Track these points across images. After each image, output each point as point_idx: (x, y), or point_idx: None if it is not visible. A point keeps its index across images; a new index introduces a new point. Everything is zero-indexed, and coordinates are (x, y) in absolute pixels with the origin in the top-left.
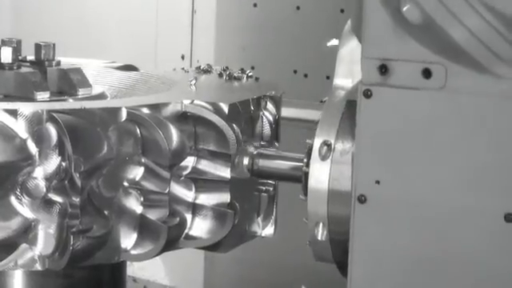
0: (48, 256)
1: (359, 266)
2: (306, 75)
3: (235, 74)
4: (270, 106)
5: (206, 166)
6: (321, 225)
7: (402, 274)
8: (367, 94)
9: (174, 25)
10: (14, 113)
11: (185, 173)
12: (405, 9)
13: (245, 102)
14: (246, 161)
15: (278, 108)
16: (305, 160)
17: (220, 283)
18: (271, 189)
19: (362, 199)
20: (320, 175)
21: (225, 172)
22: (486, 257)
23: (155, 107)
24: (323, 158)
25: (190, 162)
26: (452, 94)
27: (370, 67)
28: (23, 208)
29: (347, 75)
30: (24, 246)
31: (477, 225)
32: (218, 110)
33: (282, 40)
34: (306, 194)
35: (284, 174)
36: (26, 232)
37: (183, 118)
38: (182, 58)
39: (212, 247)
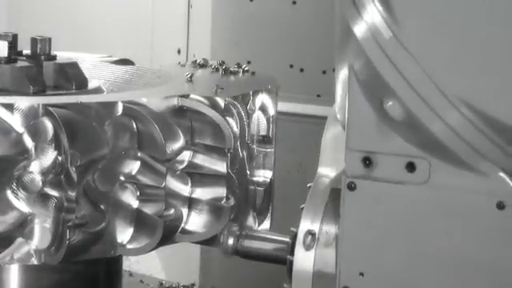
0: (44, 250)
1: None
2: (302, 70)
3: (231, 69)
4: (266, 100)
5: (202, 160)
6: None
7: None
8: (351, 187)
9: (170, 19)
10: (10, 107)
11: (181, 167)
12: (387, 105)
13: (241, 97)
14: (231, 241)
15: (274, 102)
16: (290, 242)
17: (216, 277)
18: (267, 183)
19: None
20: (304, 265)
21: (221, 166)
22: None
23: (151, 101)
24: (307, 247)
25: (186, 156)
26: (436, 189)
27: (353, 159)
28: (19, 202)
29: (331, 163)
30: (20, 240)
31: None
32: (214, 105)
33: (278, 34)
34: (290, 280)
35: (268, 255)
36: (22, 226)
37: (179, 113)
38: (178, 52)
39: (208, 241)
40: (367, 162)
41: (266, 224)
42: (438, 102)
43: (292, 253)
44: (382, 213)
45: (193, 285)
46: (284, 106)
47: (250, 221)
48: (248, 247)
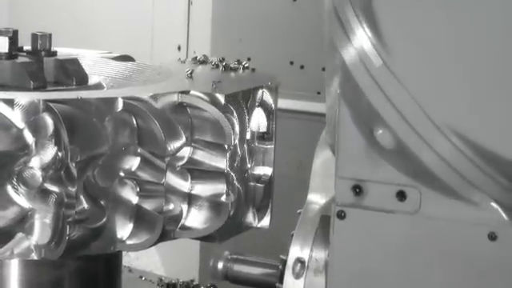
0: (44, 245)
1: None
2: (302, 66)
3: (231, 65)
4: (266, 96)
5: (202, 156)
6: None
7: None
8: (341, 215)
9: (171, 16)
10: (10, 102)
11: (181, 163)
12: (377, 133)
13: (241, 93)
14: (220, 265)
15: (274, 99)
16: (279, 267)
17: None
18: (267, 180)
19: None
20: None
21: (221, 163)
22: None
23: (151, 98)
24: (297, 275)
25: (185, 152)
26: (427, 218)
27: (343, 187)
28: (19, 197)
29: (321, 189)
30: (20, 235)
31: None
32: (214, 101)
33: (279, 31)
34: None
35: (258, 280)
36: (23, 221)
37: (179, 109)
38: (179, 48)
39: (207, 238)
40: (357, 190)
41: (266, 221)
42: (428, 131)
43: (281, 280)
44: (372, 242)
45: (192, 281)
46: (284, 103)
47: (250, 217)
48: (238, 272)
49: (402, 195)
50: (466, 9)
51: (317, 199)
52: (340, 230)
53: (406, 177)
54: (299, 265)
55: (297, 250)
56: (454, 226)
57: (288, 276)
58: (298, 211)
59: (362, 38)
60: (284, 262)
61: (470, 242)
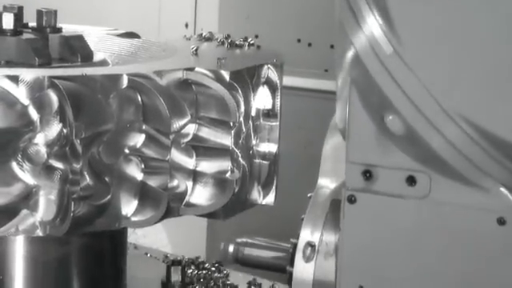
0: (49, 222)
1: None
2: (309, 44)
3: (237, 42)
4: (271, 74)
5: (206, 133)
6: None
7: None
8: (351, 200)
9: None
10: (15, 79)
11: (186, 140)
12: (388, 119)
13: (246, 70)
14: (231, 248)
15: (279, 76)
16: (290, 251)
17: None
18: (272, 157)
19: None
20: (304, 276)
21: (226, 139)
22: None
23: (156, 74)
24: (307, 259)
25: (190, 129)
26: (436, 203)
27: (354, 172)
28: (24, 174)
29: (331, 174)
30: (25, 211)
31: None
32: (219, 78)
33: (286, 9)
34: None
35: (268, 264)
36: (27, 198)
37: (184, 86)
38: (186, 26)
39: (212, 214)
40: (367, 175)
41: (271, 198)
42: (438, 117)
43: (292, 264)
44: (382, 226)
45: (197, 258)
46: (292, 81)
47: (255, 194)
48: (248, 255)
49: (411, 180)
50: None
51: (327, 183)
52: (350, 214)
53: (415, 162)
54: (309, 248)
55: (307, 234)
56: (463, 211)
57: (298, 259)
58: (309, 195)
59: (372, 26)
60: (294, 246)
61: (479, 226)
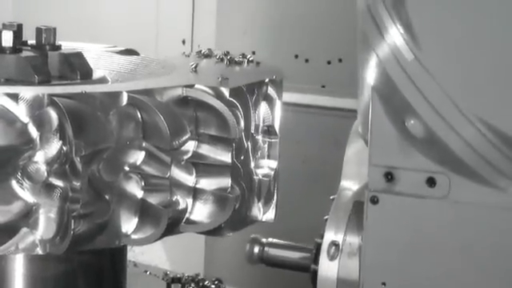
0: (49, 240)
1: None
2: (307, 60)
3: (236, 59)
4: (271, 90)
5: (206, 150)
6: None
7: None
8: (374, 201)
9: (175, 9)
10: (14, 97)
11: (185, 157)
12: (409, 124)
13: (246, 87)
14: (256, 249)
15: (279, 93)
16: (313, 251)
17: (220, 268)
18: (272, 173)
19: None
20: (328, 274)
21: (226, 156)
22: None
23: (156, 91)
24: (331, 258)
25: (190, 146)
26: (455, 203)
27: (376, 174)
28: (24, 192)
29: (354, 177)
30: (25, 230)
31: None
32: (218, 95)
33: (283, 25)
34: (314, 287)
35: (292, 263)
36: (27, 216)
37: (184, 103)
38: (183, 42)
39: (212, 232)
40: (389, 176)
41: (271, 214)
42: (457, 120)
43: (316, 262)
44: (404, 226)
45: (197, 275)
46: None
47: (255, 211)
48: (273, 255)
49: (431, 181)
50: (493, 5)
51: (350, 185)
52: (373, 214)
53: (435, 164)
54: (333, 247)
55: (331, 234)
56: (482, 211)
57: (323, 258)
58: (331, 197)
59: (394, 35)
60: (318, 245)
61: (497, 225)
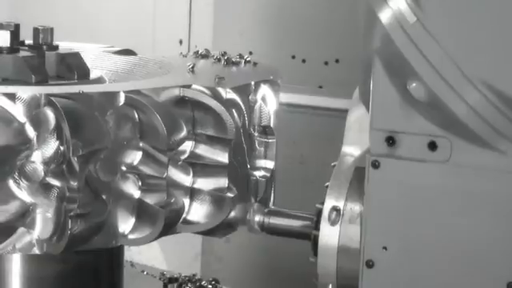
0: (46, 240)
1: None
2: (304, 60)
3: (233, 59)
4: (268, 90)
5: (204, 150)
6: (330, 287)
7: None
8: (375, 165)
9: (172, 9)
10: (12, 96)
11: (183, 157)
12: (411, 87)
13: (243, 87)
14: (258, 218)
15: (276, 93)
16: (314, 219)
17: (217, 268)
18: (268, 174)
19: (369, 264)
20: (329, 239)
21: (223, 157)
22: None
23: (153, 92)
24: (332, 222)
25: (187, 146)
26: (456, 167)
27: (377, 138)
28: (21, 192)
29: (355, 142)
30: (22, 229)
31: None
32: (216, 95)
33: (280, 25)
34: (315, 253)
35: (294, 231)
36: (24, 216)
37: (181, 103)
38: (180, 42)
39: (209, 232)
40: (390, 141)
41: None
42: (460, 83)
43: (317, 228)
44: (405, 189)
45: (194, 275)
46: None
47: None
48: (274, 224)
49: (433, 145)
50: None
51: (351, 151)
52: (374, 178)
53: (437, 128)
54: (334, 213)
55: (332, 200)
56: (483, 174)
57: (324, 223)
58: (333, 164)
59: (398, 0)
60: (319, 211)
61: (498, 188)
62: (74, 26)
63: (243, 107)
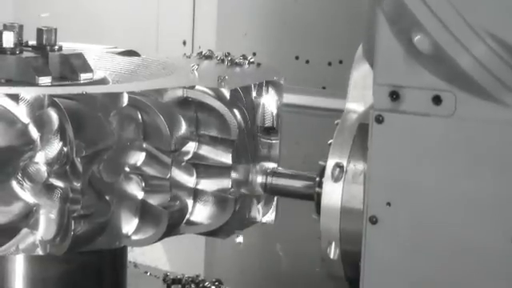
0: (49, 241)
1: (370, 286)
2: (307, 61)
3: (237, 60)
4: (271, 91)
5: (207, 151)
6: (333, 244)
7: None
8: (379, 120)
9: (176, 10)
10: (15, 97)
11: (186, 158)
12: (416, 39)
13: (246, 88)
14: (260, 179)
15: (279, 94)
16: (317, 179)
17: (221, 269)
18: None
19: (373, 220)
20: (332, 196)
21: (226, 158)
22: (494, 279)
23: (157, 92)
24: (336, 179)
25: (191, 147)
26: (461, 120)
27: (381, 93)
28: (24, 193)
29: (359, 99)
30: (25, 230)
31: (485, 247)
32: (219, 96)
33: (284, 26)
34: (318, 212)
35: (296, 191)
36: (28, 217)
37: (185, 104)
38: (184, 43)
39: (212, 233)
40: (394, 95)
41: (271, 216)
42: (465, 34)
43: (320, 186)
44: (409, 144)
45: (197, 276)
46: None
47: (255, 212)
48: (276, 184)
49: (437, 99)
50: None
51: (354, 107)
52: (378, 133)
53: (441, 81)
54: (338, 169)
55: (335, 157)
56: (488, 127)
57: (327, 180)
58: (336, 122)
59: None
60: (323, 169)
61: (503, 141)
62: (78, 27)
63: (246, 108)
